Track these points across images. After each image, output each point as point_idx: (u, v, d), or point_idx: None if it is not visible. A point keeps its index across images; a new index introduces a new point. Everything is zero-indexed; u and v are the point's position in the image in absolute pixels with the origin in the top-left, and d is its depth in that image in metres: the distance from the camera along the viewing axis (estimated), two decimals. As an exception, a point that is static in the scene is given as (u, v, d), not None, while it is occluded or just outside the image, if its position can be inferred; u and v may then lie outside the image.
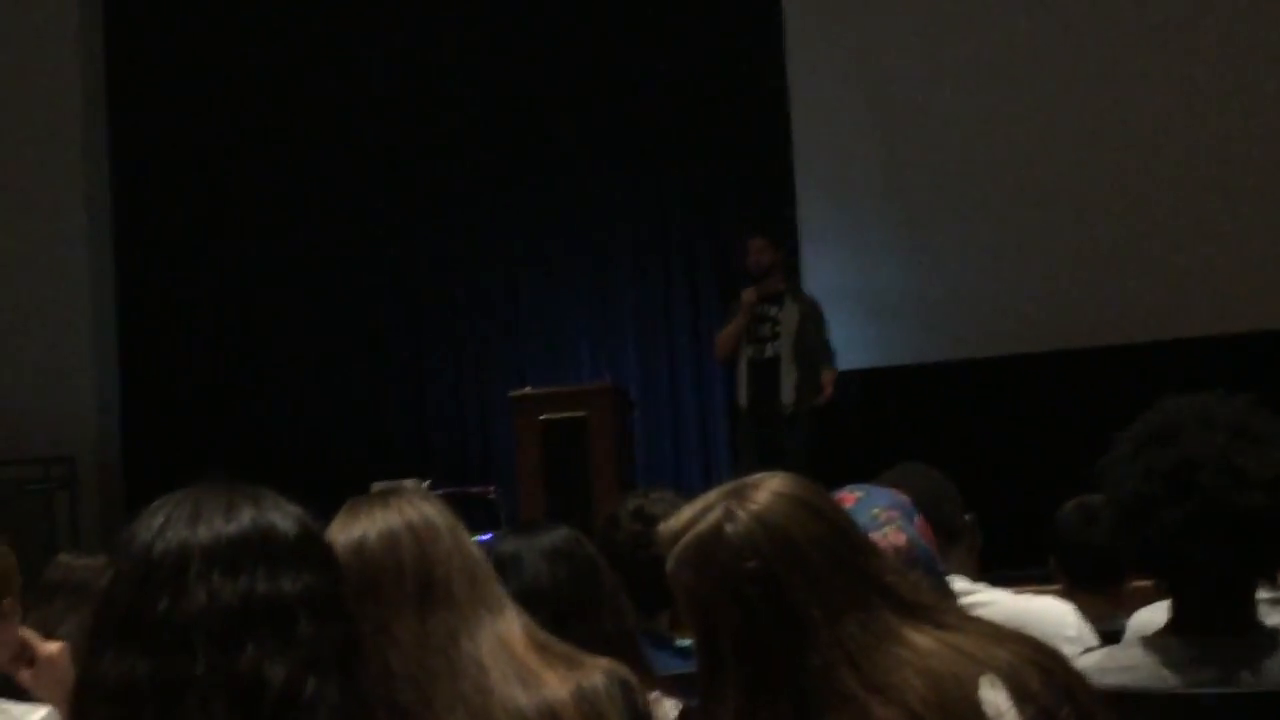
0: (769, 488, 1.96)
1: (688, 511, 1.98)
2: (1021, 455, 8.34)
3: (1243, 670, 2.28)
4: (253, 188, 10.38)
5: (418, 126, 10.21)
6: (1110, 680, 2.16)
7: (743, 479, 2.00)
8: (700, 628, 1.95)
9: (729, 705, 1.89)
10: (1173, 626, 2.39)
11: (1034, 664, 1.84)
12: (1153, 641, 2.39)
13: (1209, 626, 2.33)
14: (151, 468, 9.73)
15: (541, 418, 8.12)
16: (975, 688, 1.80)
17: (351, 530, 2.09)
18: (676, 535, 1.96)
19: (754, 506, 1.93)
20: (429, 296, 10.20)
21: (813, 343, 8.14)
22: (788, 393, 7.95)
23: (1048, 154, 8.69)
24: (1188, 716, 2.21)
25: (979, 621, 1.95)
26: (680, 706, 2.35)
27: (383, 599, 2.03)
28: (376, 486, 8.44)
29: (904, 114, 9.03)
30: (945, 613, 1.95)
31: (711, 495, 1.98)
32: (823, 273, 8.88)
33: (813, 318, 8.17)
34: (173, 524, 1.50)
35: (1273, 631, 2.35)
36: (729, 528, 1.91)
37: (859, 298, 8.33)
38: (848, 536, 1.96)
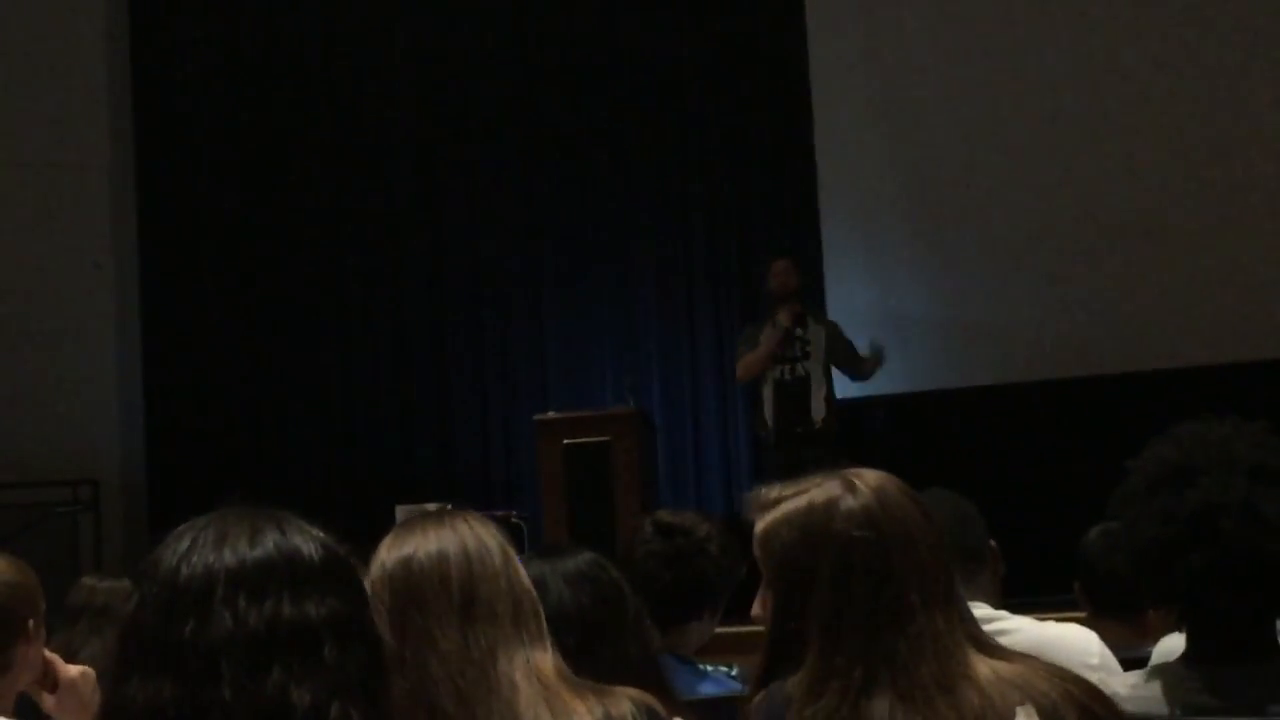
0: (884, 477, 2.04)
1: (792, 486, 2.05)
2: (1046, 481, 8.32)
3: (1262, 698, 2.27)
4: (280, 211, 10.42)
5: (445, 151, 10.25)
6: (1129, 709, 2.15)
7: (851, 468, 2.06)
8: (784, 588, 2.02)
9: (798, 670, 1.95)
10: (1190, 655, 2.39)
11: (1074, 701, 1.86)
12: (1170, 669, 2.39)
13: (1226, 656, 2.33)
14: (175, 491, 9.76)
15: (565, 442, 8.13)
16: (1013, 716, 1.82)
17: (404, 546, 2.12)
18: (776, 501, 2.04)
19: (873, 485, 2.01)
20: (454, 319, 10.22)
21: (844, 357, 8.18)
22: (818, 409, 7.97)
23: (1073, 182, 8.68)
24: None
25: (1025, 656, 1.97)
26: (700, 731, 2.35)
27: (427, 609, 2.06)
28: (400, 511, 8.46)
29: (929, 139, 9.03)
30: (991, 640, 1.98)
31: (822, 474, 2.05)
32: (846, 298, 8.88)
33: (840, 336, 8.21)
34: (198, 549, 1.50)
35: None
36: (848, 499, 2.00)
37: (883, 323, 8.31)
38: (942, 542, 2.00)
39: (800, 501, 2.04)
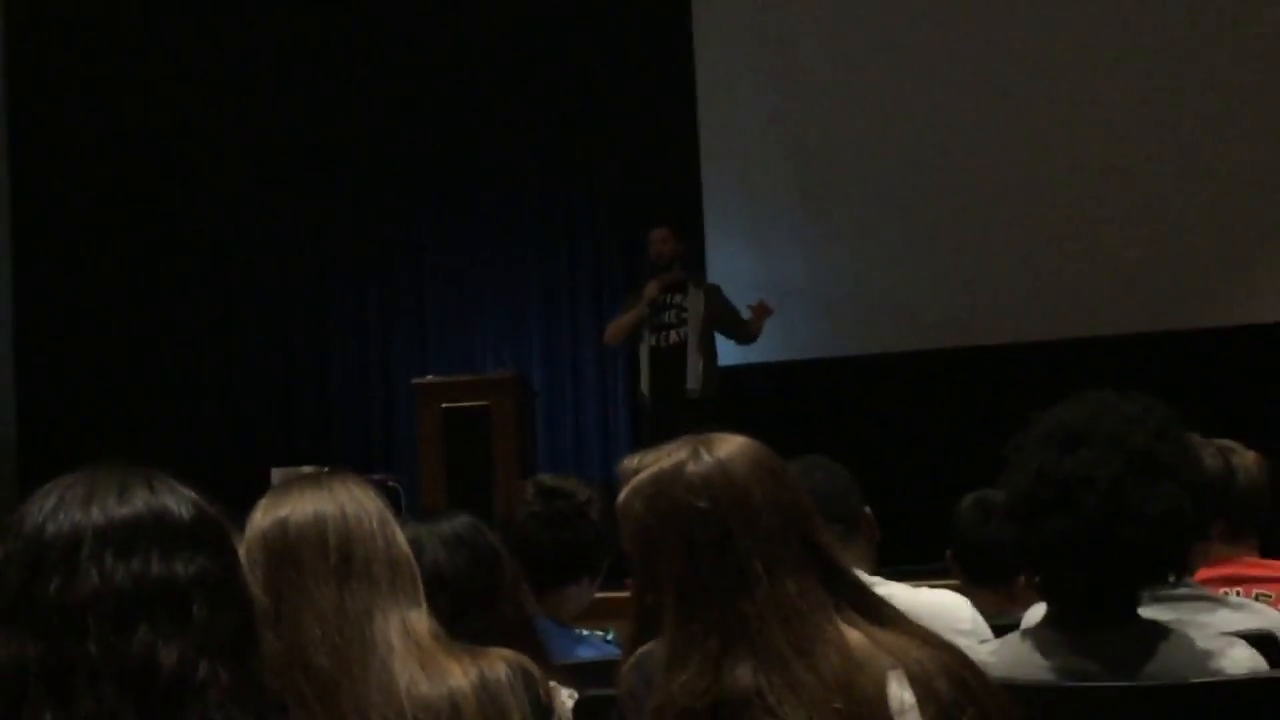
0: (736, 443, 2.03)
1: (653, 454, 2.05)
2: (921, 451, 8.43)
3: (1114, 663, 2.32)
4: (158, 165, 10.25)
5: (326, 113, 10.13)
6: (995, 673, 2.18)
7: (710, 434, 2.06)
8: (641, 559, 2.02)
9: (662, 638, 1.96)
10: (1049, 619, 2.43)
11: (946, 670, 1.88)
12: (1033, 634, 2.43)
13: (1084, 620, 2.37)
14: (46, 451, 9.59)
15: (443, 406, 8.10)
16: (884, 680, 1.84)
17: (280, 507, 2.11)
18: (637, 470, 2.04)
19: (719, 454, 2.01)
20: (334, 281, 10.13)
21: (726, 321, 8.16)
22: (694, 378, 7.96)
23: (955, 148, 8.76)
24: (1060, 708, 2.25)
25: (908, 622, 1.99)
26: (576, 696, 2.35)
27: (304, 568, 2.05)
28: (276, 473, 8.35)
29: (811, 106, 9.07)
30: (878, 607, 1.99)
31: (679, 441, 2.05)
32: (726, 265, 8.91)
33: (717, 298, 8.20)
34: (65, 505, 1.48)
35: (1150, 624, 2.39)
36: (690, 466, 1.99)
37: (763, 291, 8.33)
38: (800, 508, 2.01)
39: (650, 471, 2.04)
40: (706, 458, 2.00)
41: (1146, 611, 2.46)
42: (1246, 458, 3.40)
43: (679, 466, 2.01)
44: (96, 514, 1.47)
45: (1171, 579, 2.47)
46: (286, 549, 2.06)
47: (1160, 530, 2.28)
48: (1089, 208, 8.56)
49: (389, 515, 2.16)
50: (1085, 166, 8.59)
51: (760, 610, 1.90)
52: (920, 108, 8.82)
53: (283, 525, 2.08)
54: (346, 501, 2.12)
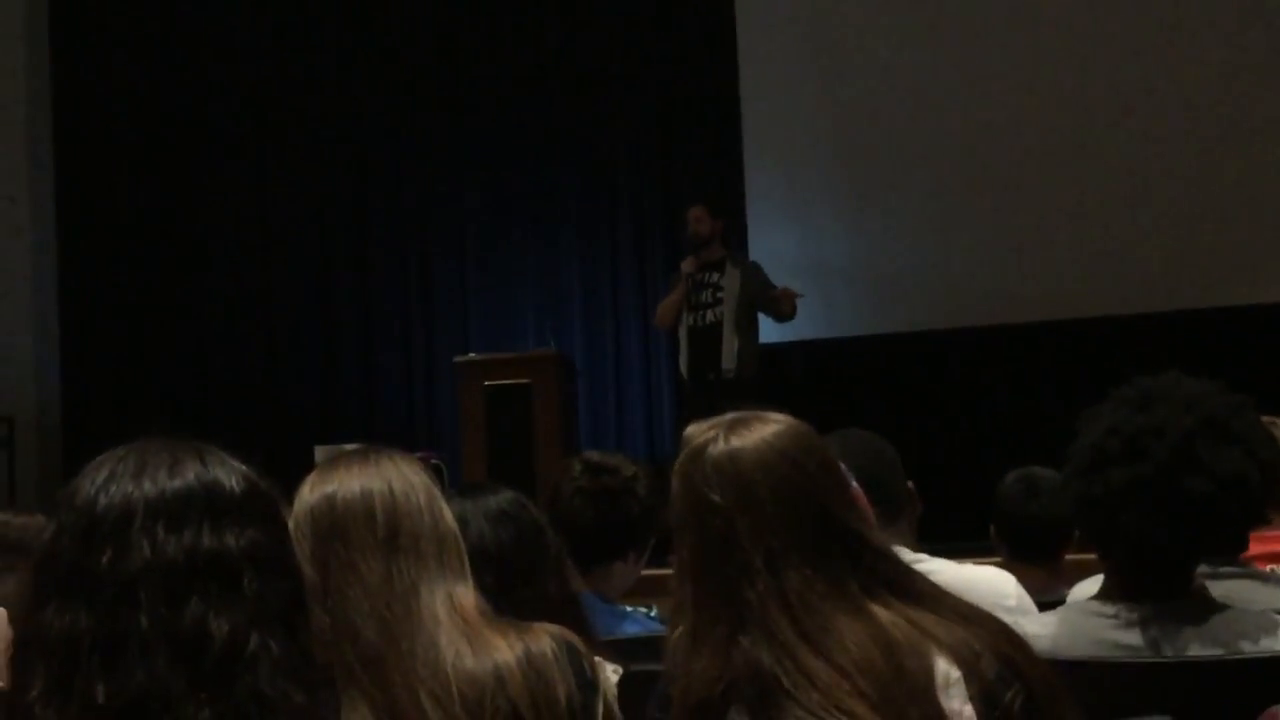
0: (764, 430, 2.03)
1: (706, 425, 2.07)
2: (964, 428, 8.40)
3: (1168, 637, 2.30)
4: (200, 146, 10.29)
5: (368, 92, 10.15)
6: (1043, 647, 2.18)
7: (758, 411, 2.07)
8: (675, 533, 2.04)
9: (686, 616, 1.98)
10: (1105, 592, 2.42)
11: (990, 648, 1.88)
12: (1084, 608, 2.42)
13: (1139, 593, 2.36)
14: (91, 428, 9.66)
15: (486, 384, 8.12)
16: (928, 659, 1.85)
17: (328, 483, 2.13)
18: (687, 441, 2.05)
19: (738, 442, 2.01)
20: (376, 260, 10.15)
21: (762, 299, 8.12)
22: (729, 358, 7.94)
23: (998, 124, 8.72)
24: (1111, 682, 2.24)
25: (950, 599, 1.98)
26: (620, 671, 2.35)
27: (351, 543, 2.07)
28: (320, 451, 8.38)
29: (854, 85, 9.03)
30: (916, 586, 1.99)
31: (726, 417, 2.07)
32: (768, 243, 8.89)
33: (755, 276, 8.17)
34: (117, 479, 1.49)
35: (1204, 599, 2.38)
36: (709, 451, 2.01)
37: (804, 269, 8.32)
38: (823, 497, 2.00)
39: (687, 450, 2.06)
40: (723, 445, 2.01)
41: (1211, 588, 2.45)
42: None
43: (702, 449, 2.03)
44: (148, 486, 1.48)
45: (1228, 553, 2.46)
46: (334, 524, 2.08)
47: (1227, 490, 2.27)
48: (1136, 182, 8.50)
49: (436, 491, 2.17)
50: (1130, 140, 8.53)
51: (763, 600, 1.91)
52: (963, 84, 8.78)
53: (330, 501, 2.10)
54: (394, 478, 2.13)
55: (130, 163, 10.33)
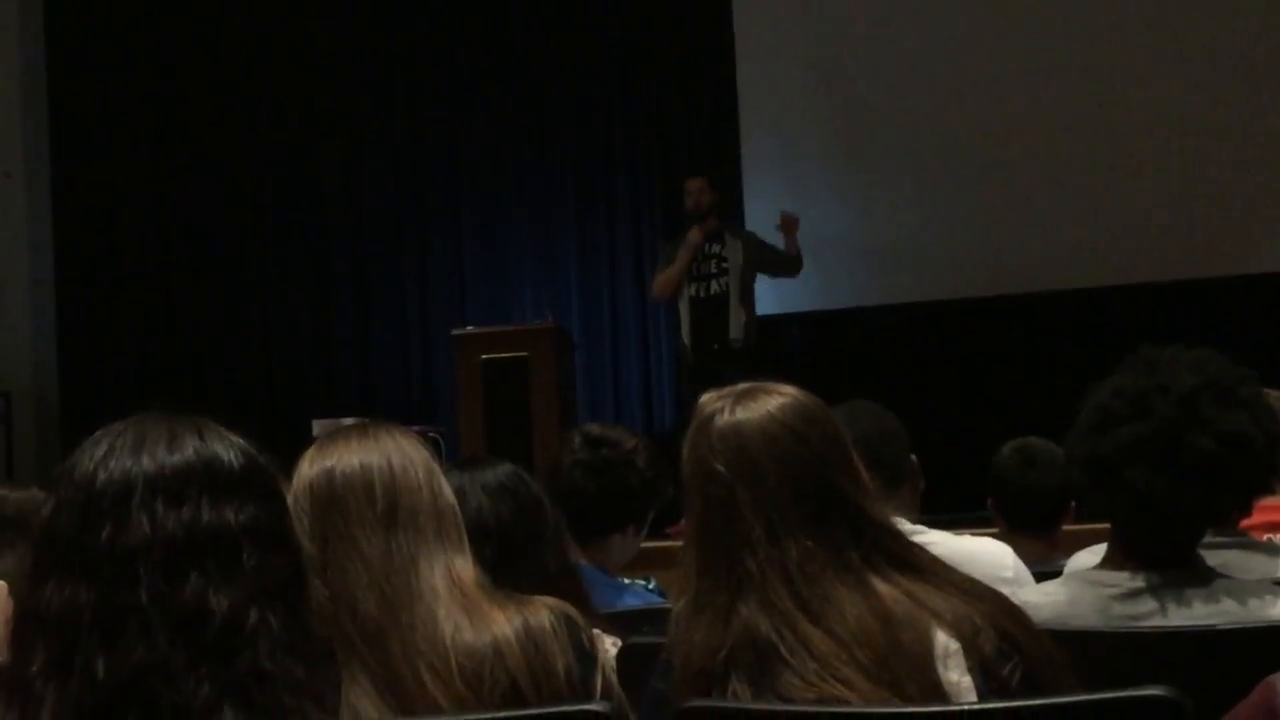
0: (769, 402, 2.04)
1: (717, 393, 2.08)
2: (962, 399, 8.40)
3: (1170, 606, 2.31)
4: (196, 119, 10.26)
5: (364, 65, 10.13)
6: (1044, 616, 2.19)
7: (768, 384, 2.08)
8: (685, 497, 2.06)
9: (689, 585, 2.01)
10: (1108, 560, 2.43)
11: (989, 622, 1.89)
12: (1086, 577, 2.42)
13: (1143, 560, 2.36)
14: (88, 403, 9.66)
15: (483, 357, 8.10)
16: (926, 633, 1.86)
17: (327, 457, 2.13)
18: (699, 411, 2.07)
19: (743, 413, 2.03)
20: (373, 233, 10.13)
21: (768, 261, 8.17)
22: (736, 328, 7.95)
23: (995, 95, 8.70)
24: (1112, 652, 2.24)
25: (949, 572, 2.00)
26: (619, 644, 2.36)
27: (350, 517, 2.08)
28: (317, 425, 8.38)
29: (850, 55, 9.01)
30: (916, 559, 2.00)
31: (736, 387, 2.08)
32: (765, 214, 8.84)
33: (755, 244, 8.20)
34: (115, 454, 1.49)
35: (1205, 568, 2.38)
36: (716, 422, 2.03)
37: (801, 240, 8.28)
38: (826, 470, 2.01)
39: (697, 419, 2.08)
40: (728, 415, 2.03)
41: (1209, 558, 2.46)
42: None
43: (709, 419, 2.05)
44: (147, 462, 1.48)
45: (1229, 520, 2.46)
46: (333, 498, 2.08)
47: (1230, 446, 2.27)
48: (1134, 152, 8.48)
49: (435, 465, 2.17)
50: (1127, 111, 8.51)
51: (762, 569, 1.93)
52: (960, 54, 8.75)
53: (329, 475, 2.10)
54: (393, 452, 2.14)
55: (127, 136, 10.30)
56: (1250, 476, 2.34)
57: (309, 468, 2.13)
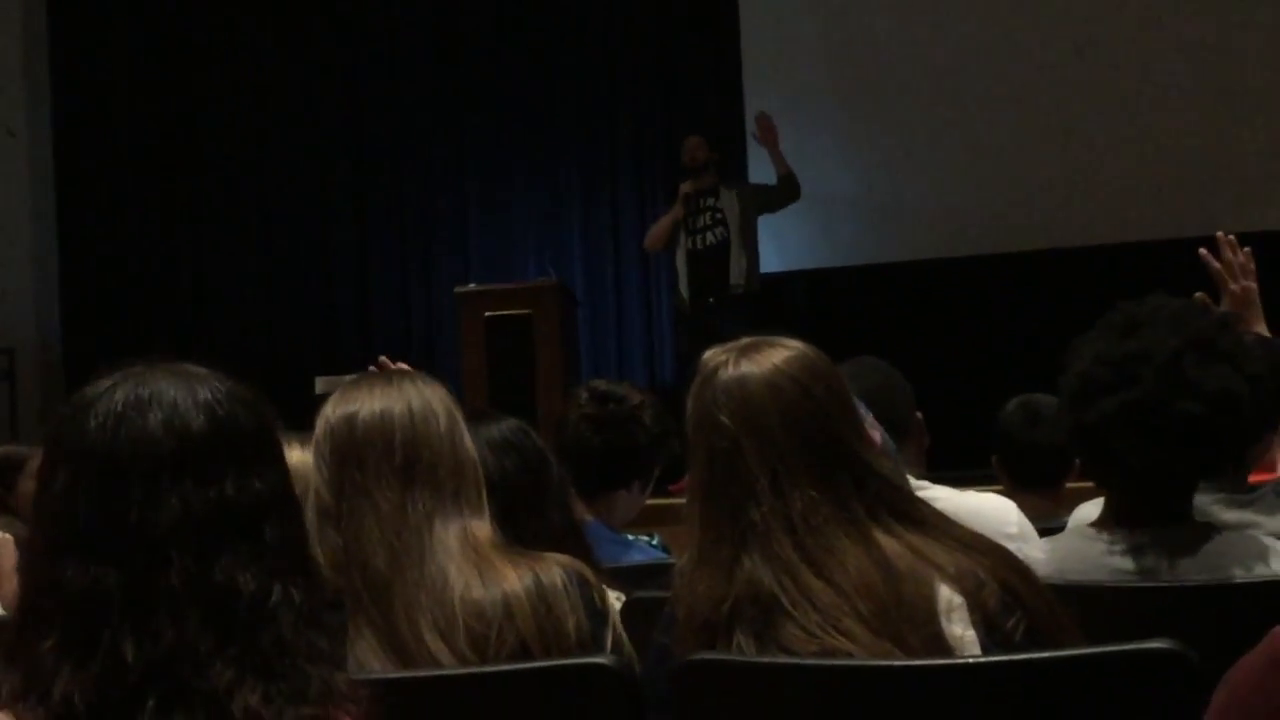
0: (777, 355, 2.04)
1: (722, 347, 2.08)
2: (966, 356, 8.40)
3: (1164, 563, 2.31)
4: (200, 78, 10.23)
5: (368, 24, 10.09)
6: (1045, 572, 2.19)
7: (770, 337, 2.09)
8: (690, 451, 2.07)
9: (693, 537, 2.02)
10: (1103, 519, 2.43)
11: (993, 576, 1.89)
12: (1084, 533, 2.43)
13: (1137, 519, 2.36)
14: (91, 359, 9.58)
15: (486, 314, 8.10)
16: (930, 587, 1.86)
17: (350, 403, 2.13)
18: (703, 365, 2.08)
19: (748, 366, 2.03)
20: (375, 190, 10.12)
21: (769, 198, 8.21)
22: (737, 274, 7.97)
23: (998, 53, 8.66)
24: (1111, 607, 2.25)
25: (954, 527, 2.00)
26: (623, 598, 2.36)
27: (367, 469, 2.08)
28: (320, 382, 8.36)
29: (853, 13, 8.97)
30: (920, 513, 2.00)
31: (741, 341, 2.08)
32: (767, 172, 8.80)
33: (749, 189, 8.27)
34: (127, 419, 1.44)
35: (1203, 525, 2.38)
36: (721, 375, 2.03)
37: (804, 198, 8.29)
38: (830, 423, 2.01)
39: (703, 370, 2.08)
40: (733, 369, 2.03)
41: (1224, 515, 2.46)
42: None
43: (714, 373, 2.05)
44: (166, 432, 1.43)
45: (1228, 474, 2.46)
46: (352, 448, 2.08)
47: (1217, 407, 2.27)
48: (1136, 109, 8.46)
49: (459, 417, 2.17)
50: (1131, 67, 8.48)
51: (766, 521, 1.94)
52: (964, 10, 8.72)
53: (350, 422, 2.10)
54: (415, 401, 2.13)
55: (129, 97, 10.28)
56: (1241, 431, 2.34)
57: (332, 411, 2.13)
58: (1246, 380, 2.29)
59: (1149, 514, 2.36)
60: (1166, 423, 2.27)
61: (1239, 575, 2.28)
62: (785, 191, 8.21)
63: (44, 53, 10.28)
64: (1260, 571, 2.30)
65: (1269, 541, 2.37)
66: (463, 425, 2.17)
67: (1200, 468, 2.38)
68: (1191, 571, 2.29)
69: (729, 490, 1.98)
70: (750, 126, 8.54)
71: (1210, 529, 2.37)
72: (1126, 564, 2.33)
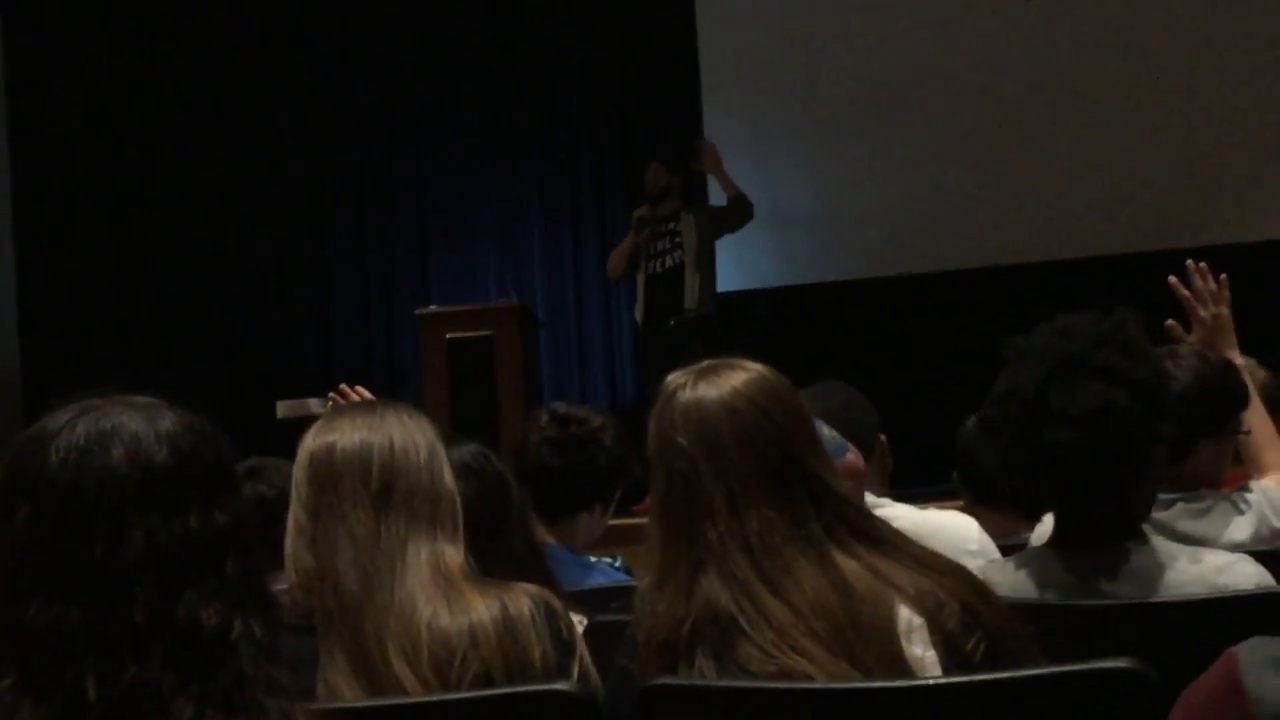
0: (735, 377, 2.06)
1: (683, 370, 2.11)
2: (926, 373, 8.42)
3: (1113, 581, 2.32)
4: (156, 102, 10.19)
5: (327, 43, 10.07)
6: (1002, 594, 2.20)
7: (730, 359, 2.11)
8: (650, 472, 2.09)
9: (653, 558, 2.04)
10: (1051, 539, 2.45)
11: (953, 596, 1.90)
12: (1035, 554, 2.45)
13: (1082, 538, 2.38)
14: (50, 386, 9.54)
15: (448, 336, 8.08)
16: (889, 608, 1.87)
17: (330, 432, 2.15)
18: (664, 388, 2.09)
19: (706, 388, 2.05)
20: (335, 212, 10.09)
21: (725, 221, 8.22)
22: (690, 297, 7.98)
23: (962, 67, 8.70)
24: (1059, 627, 2.25)
25: (913, 547, 2.01)
26: (586, 621, 2.36)
27: (343, 493, 2.09)
28: (281, 406, 8.32)
29: (813, 33, 8.99)
30: (879, 533, 2.01)
31: (702, 364, 2.10)
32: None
33: (705, 211, 8.28)
34: (91, 450, 1.42)
35: (1143, 542, 2.38)
36: (679, 397, 2.05)
37: (765, 215, 8.32)
38: (787, 444, 2.02)
39: (663, 393, 2.09)
40: (691, 392, 2.05)
41: (1180, 526, 2.47)
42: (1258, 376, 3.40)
43: (673, 395, 2.06)
44: (129, 465, 1.42)
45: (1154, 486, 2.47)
46: (330, 473, 2.10)
47: (1088, 427, 2.27)
48: (1098, 125, 8.51)
49: (440, 449, 2.19)
50: (1095, 83, 8.53)
51: (723, 540, 1.95)
52: (925, 27, 8.76)
53: (330, 449, 2.12)
54: (397, 432, 2.15)
55: (85, 121, 10.22)
56: (1135, 436, 2.33)
57: (313, 440, 2.15)
58: (1130, 388, 2.29)
59: (1086, 534, 2.38)
60: (1039, 456, 2.29)
61: (1196, 591, 2.29)
62: (737, 212, 8.23)
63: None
64: (1217, 585, 2.31)
65: (1227, 557, 2.38)
66: (443, 459, 2.19)
67: (1103, 486, 2.37)
68: (1127, 590, 2.30)
69: (687, 511, 1.99)
70: (717, 184, 8.55)
71: (1161, 544, 2.39)
72: (1071, 583, 2.35)
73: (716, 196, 8.66)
